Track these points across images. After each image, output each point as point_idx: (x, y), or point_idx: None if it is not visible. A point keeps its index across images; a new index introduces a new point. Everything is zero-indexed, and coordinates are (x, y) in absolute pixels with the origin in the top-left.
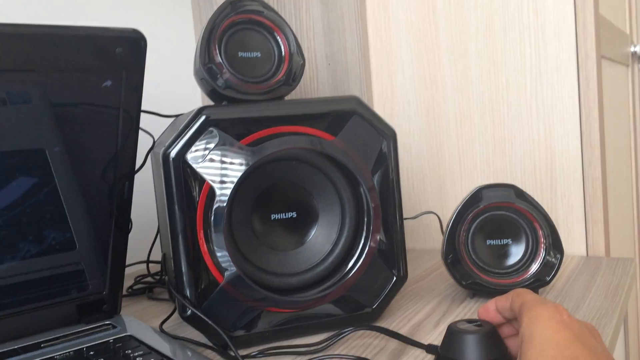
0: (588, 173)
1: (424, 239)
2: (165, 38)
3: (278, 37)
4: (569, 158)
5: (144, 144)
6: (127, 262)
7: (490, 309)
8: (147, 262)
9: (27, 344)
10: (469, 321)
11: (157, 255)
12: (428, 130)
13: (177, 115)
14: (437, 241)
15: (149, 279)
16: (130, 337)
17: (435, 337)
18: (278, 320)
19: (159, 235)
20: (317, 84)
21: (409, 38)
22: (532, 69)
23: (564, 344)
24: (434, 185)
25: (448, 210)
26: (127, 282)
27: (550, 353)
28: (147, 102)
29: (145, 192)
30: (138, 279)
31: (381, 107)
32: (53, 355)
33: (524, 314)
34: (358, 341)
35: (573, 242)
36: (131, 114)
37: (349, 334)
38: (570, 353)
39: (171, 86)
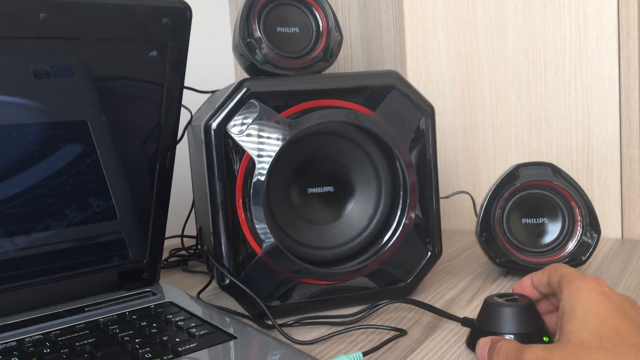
0: (626, 154)
1: (455, 219)
2: (200, 14)
3: (316, 13)
4: (606, 139)
5: (181, 118)
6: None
7: (525, 285)
8: (182, 236)
9: (72, 307)
10: (505, 295)
11: (191, 230)
12: (462, 109)
13: (213, 91)
14: (468, 222)
15: (184, 252)
16: (170, 303)
17: (470, 312)
18: (313, 292)
19: (193, 210)
20: (351, 62)
21: (445, 15)
22: (572, 48)
23: (606, 315)
24: (467, 166)
25: (481, 191)
26: (162, 255)
27: (592, 324)
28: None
29: (179, 168)
30: (173, 252)
31: (415, 86)
32: (97, 318)
33: (563, 288)
34: (392, 314)
35: (608, 225)
36: (174, 86)
37: (384, 306)
38: (612, 324)
39: (205, 63)
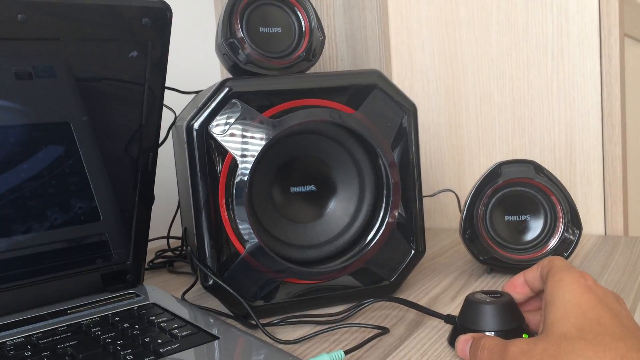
0: (608, 151)
1: (441, 217)
2: (185, 14)
3: (298, 12)
4: (589, 136)
5: (165, 119)
6: (148, 237)
7: (517, 283)
8: (168, 237)
9: (54, 310)
10: (487, 292)
11: (177, 231)
12: (447, 108)
13: (197, 92)
14: (453, 220)
15: (169, 253)
16: (154, 304)
17: (453, 309)
18: (297, 291)
19: (179, 211)
20: (336, 62)
21: (430, 14)
22: (554, 46)
23: (588, 306)
24: (452, 165)
25: (466, 189)
26: (148, 257)
27: (573, 315)
28: (167, 78)
29: (165, 169)
30: (158, 253)
31: (400, 85)
32: (79, 320)
33: (549, 279)
34: (376, 312)
35: (591, 221)
36: (156, 86)
37: (368, 304)
38: (593, 315)
39: (190, 64)
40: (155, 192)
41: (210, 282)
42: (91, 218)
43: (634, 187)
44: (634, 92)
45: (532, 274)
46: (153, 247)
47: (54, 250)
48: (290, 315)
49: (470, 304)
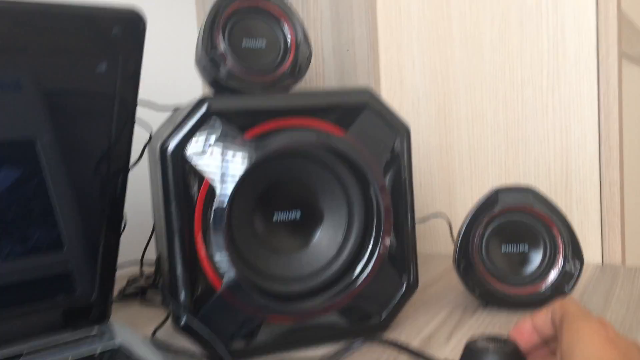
0: (606, 176)
1: (431, 242)
2: (165, 24)
3: (285, 26)
4: (585, 160)
5: (140, 137)
6: (120, 263)
7: (524, 330)
8: (141, 264)
9: (8, 355)
10: (490, 338)
11: (151, 255)
12: (438, 128)
13: (175, 108)
14: (444, 245)
15: (142, 282)
16: (119, 348)
17: (449, 351)
18: (280, 330)
19: (154, 235)
20: (323, 78)
21: (420, 30)
22: (550, 65)
23: None
24: (443, 187)
25: (456, 212)
26: (120, 284)
27: None
28: (144, 92)
29: (142, 188)
30: (131, 280)
31: (389, 103)
32: None
33: (564, 328)
34: (367, 355)
35: (588, 249)
36: (127, 102)
37: (357, 347)
38: None
39: (169, 76)
40: (130, 212)
41: (183, 321)
42: (54, 246)
43: (632, 213)
44: (631, 115)
45: (541, 319)
46: (126, 272)
47: (10, 283)
48: (274, 356)
49: (471, 354)
